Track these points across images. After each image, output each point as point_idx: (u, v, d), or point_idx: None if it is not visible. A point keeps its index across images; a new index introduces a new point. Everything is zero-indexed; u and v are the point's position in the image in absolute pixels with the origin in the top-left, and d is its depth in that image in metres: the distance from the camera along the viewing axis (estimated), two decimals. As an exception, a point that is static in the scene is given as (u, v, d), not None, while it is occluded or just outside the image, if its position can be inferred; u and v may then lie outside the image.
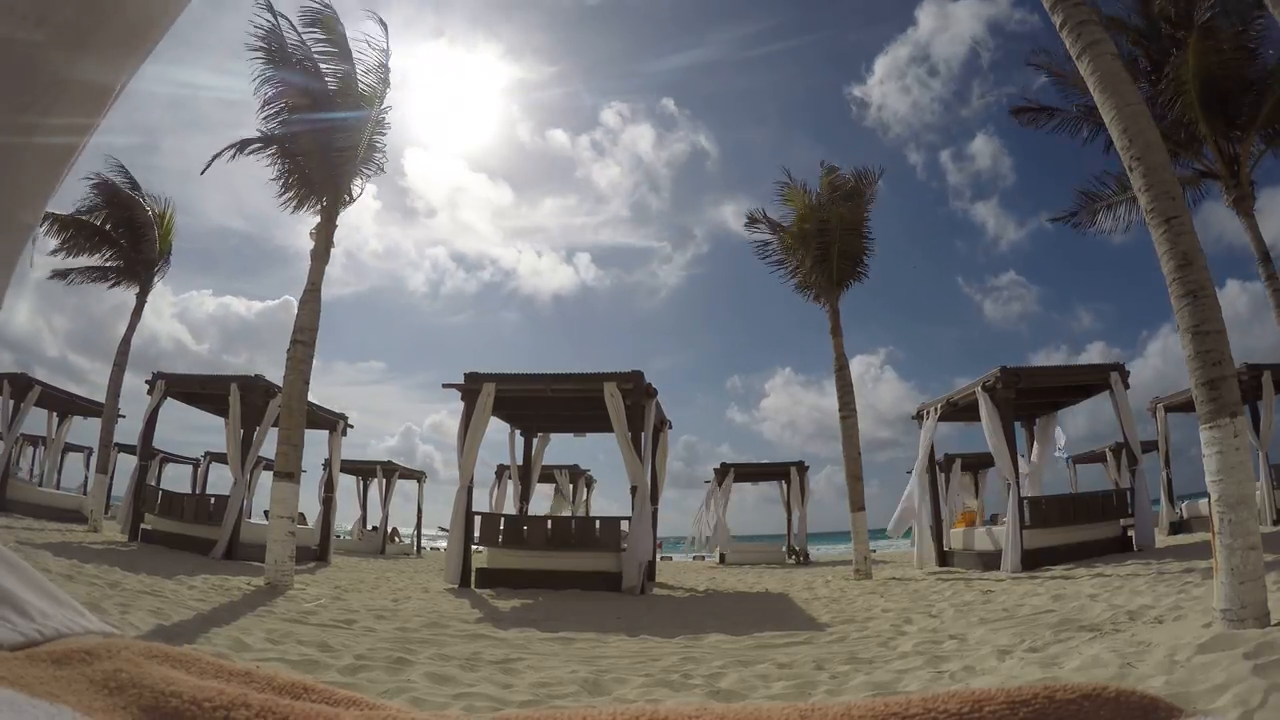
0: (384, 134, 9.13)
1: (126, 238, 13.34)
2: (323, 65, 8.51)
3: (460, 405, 9.53)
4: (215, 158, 8.49)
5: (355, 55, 8.61)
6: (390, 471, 19.82)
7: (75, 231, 13.05)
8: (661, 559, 18.52)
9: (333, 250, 8.37)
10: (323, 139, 8.50)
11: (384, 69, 8.76)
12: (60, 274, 13.70)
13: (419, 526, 21.41)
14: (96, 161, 12.94)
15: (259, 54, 8.19)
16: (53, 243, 12.99)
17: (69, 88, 0.42)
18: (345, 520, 18.93)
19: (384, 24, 8.75)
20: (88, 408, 15.49)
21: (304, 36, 8.40)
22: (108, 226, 13.27)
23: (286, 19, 8.29)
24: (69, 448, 18.06)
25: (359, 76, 8.66)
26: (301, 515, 11.09)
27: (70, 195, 12.88)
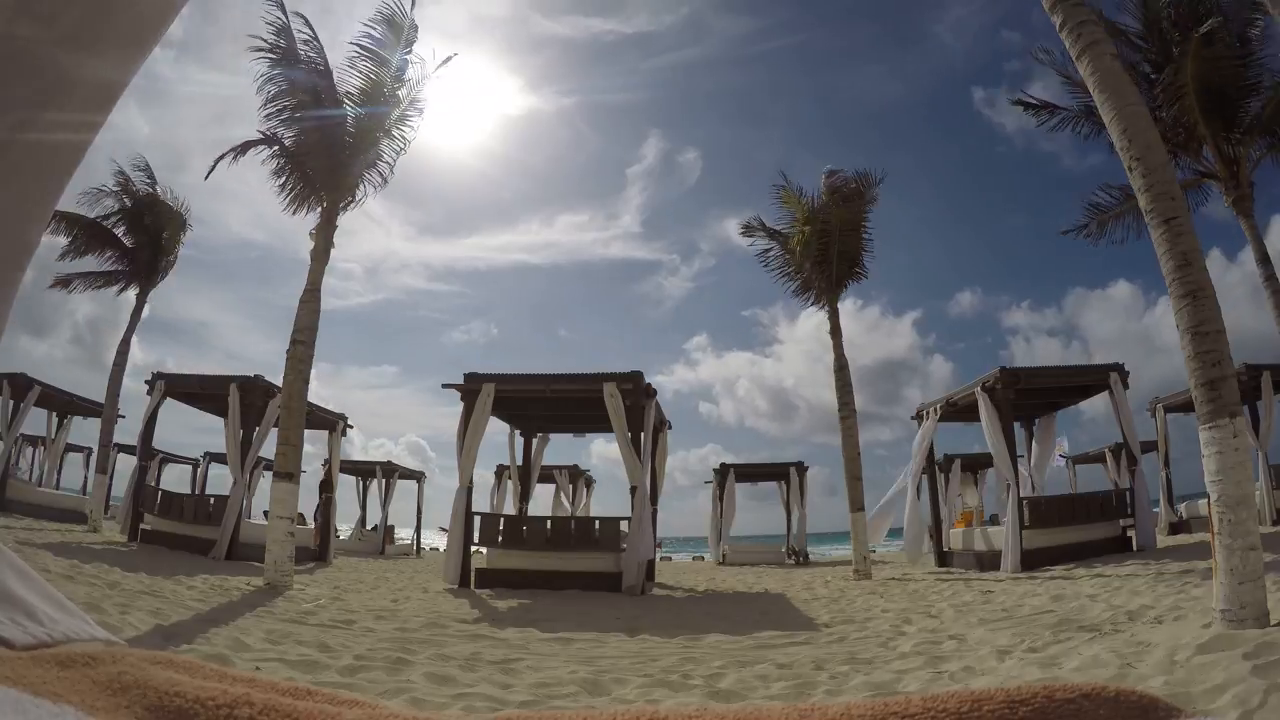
0: (397, 148, 9.07)
1: (142, 234, 13.30)
2: (356, 64, 8.54)
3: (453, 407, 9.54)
4: (218, 161, 8.50)
5: (396, 66, 8.65)
6: (390, 472, 19.84)
7: (83, 232, 13.02)
8: (661, 559, 18.51)
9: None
10: (325, 137, 8.48)
11: (415, 86, 8.81)
12: (62, 282, 13.66)
13: (419, 527, 21.41)
14: (114, 156, 12.96)
15: (263, 52, 8.18)
16: (61, 241, 12.97)
17: (79, 86, 0.42)
18: (344, 520, 18.93)
19: (433, 53, 8.96)
20: (88, 408, 15.49)
21: (364, 29, 8.47)
22: (117, 225, 13.24)
23: (301, 15, 8.34)
24: (69, 448, 18.06)
25: (387, 83, 8.66)
26: (301, 515, 11.09)
27: (83, 185, 12.82)
